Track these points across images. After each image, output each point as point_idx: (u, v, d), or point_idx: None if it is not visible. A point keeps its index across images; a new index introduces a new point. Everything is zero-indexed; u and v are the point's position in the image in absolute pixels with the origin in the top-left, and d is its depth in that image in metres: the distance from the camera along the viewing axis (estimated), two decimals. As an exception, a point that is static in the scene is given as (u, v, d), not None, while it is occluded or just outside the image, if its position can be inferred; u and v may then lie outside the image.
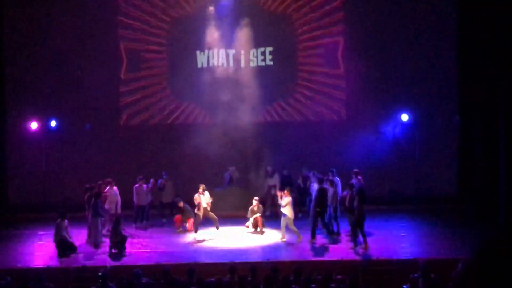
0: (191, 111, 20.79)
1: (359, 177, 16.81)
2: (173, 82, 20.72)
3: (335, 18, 20.64)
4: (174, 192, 18.55)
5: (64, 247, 14.66)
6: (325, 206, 15.80)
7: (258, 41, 20.47)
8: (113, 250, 14.77)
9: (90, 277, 12.29)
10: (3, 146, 20.18)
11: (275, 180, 19.07)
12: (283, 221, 15.77)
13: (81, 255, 14.68)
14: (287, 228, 15.78)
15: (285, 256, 14.61)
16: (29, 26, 20.13)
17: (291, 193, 16.14)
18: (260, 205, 17.09)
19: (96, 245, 15.36)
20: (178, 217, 17.34)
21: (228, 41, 20.45)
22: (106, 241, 15.41)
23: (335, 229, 16.35)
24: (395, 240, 15.82)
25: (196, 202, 16.45)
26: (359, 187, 15.83)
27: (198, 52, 20.56)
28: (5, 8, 20.29)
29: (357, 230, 14.97)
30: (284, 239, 15.74)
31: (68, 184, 19.87)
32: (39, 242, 16.11)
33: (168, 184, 18.68)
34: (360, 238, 14.92)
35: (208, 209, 16.53)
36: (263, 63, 20.62)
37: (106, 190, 16.92)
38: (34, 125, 19.54)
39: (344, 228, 16.17)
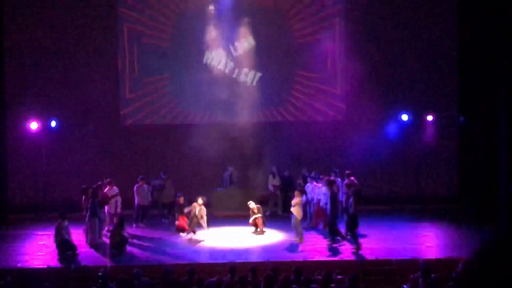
0: (191, 111, 20.78)
1: (352, 178, 16.78)
2: (173, 82, 20.72)
3: (334, 18, 20.65)
4: (173, 192, 18.54)
5: (65, 247, 14.65)
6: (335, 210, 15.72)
7: (257, 41, 20.46)
8: (113, 250, 14.76)
9: (90, 277, 12.28)
10: (3, 146, 20.15)
11: (277, 180, 19.11)
12: (292, 222, 15.76)
13: (81, 255, 14.66)
14: (292, 227, 15.78)
15: (286, 256, 14.59)
16: (29, 26, 20.12)
17: (302, 193, 16.06)
18: (257, 206, 16.98)
19: (92, 245, 15.32)
20: (181, 223, 17.28)
21: (227, 41, 20.45)
22: (105, 242, 15.41)
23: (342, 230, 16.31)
24: (395, 240, 15.80)
25: (190, 210, 16.19)
26: (355, 188, 15.80)
27: (199, 53, 20.55)
28: (5, 8, 20.27)
29: (355, 230, 14.99)
30: (297, 239, 15.66)
31: (68, 184, 19.87)
32: (40, 242, 16.10)
33: (167, 184, 18.67)
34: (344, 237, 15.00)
35: (197, 219, 16.28)
36: (263, 65, 20.63)
37: (105, 190, 16.92)
38: (34, 125, 19.53)
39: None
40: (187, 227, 16.84)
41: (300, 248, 15.14)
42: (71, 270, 13.45)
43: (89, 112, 20.42)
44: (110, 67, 20.56)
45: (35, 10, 20.20)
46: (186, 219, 17.03)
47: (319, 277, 10.67)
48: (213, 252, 14.99)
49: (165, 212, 18.71)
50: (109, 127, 20.67)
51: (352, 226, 14.90)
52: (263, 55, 20.61)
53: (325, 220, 16.36)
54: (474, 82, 18.89)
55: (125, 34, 20.68)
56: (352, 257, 14.13)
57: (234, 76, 20.56)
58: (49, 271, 13.20)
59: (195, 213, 16.08)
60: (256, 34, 20.47)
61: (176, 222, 17.09)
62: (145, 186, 17.90)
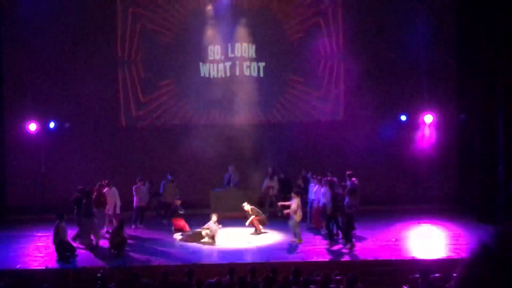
0: (190, 112, 20.77)
1: (353, 179, 16.79)
2: (173, 83, 20.71)
3: (333, 17, 20.65)
4: (176, 193, 18.48)
5: (64, 249, 14.63)
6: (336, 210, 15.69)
7: (255, 40, 20.45)
8: (112, 251, 14.75)
9: (89, 278, 12.27)
10: (1, 148, 20.15)
11: (274, 181, 19.09)
12: (290, 224, 15.73)
13: (80, 257, 14.65)
14: (290, 228, 15.77)
15: (285, 257, 14.58)
16: (27, 27, 20.09)
17: (299, 194, 16.03)
18: (252, 207, 16.93)
19: (87, 245, 15.30)
20: (177, 220, 17.27)
21: (226, 40, 20.45)
22: (104, 242, 15.43)
23: (334, 230, 16.29)
24: (394, 241, 15.80)
25: (210, 231, 15.87)
26: (351, 187, 15.84)
27: (198, 53, 20.54)
28: (3, 8, 20.26)
29: (350, 229, 15.00)
30: (296, 240, 15.63)
31: (66, 186, 19.82)
32: (38, 244, 16.08)
33: (171, 185, 18.60)
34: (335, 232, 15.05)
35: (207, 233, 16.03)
36: (261, 64, 20.61)
37: (104, 191, 16.92)
38: (32, 127, 19.51)
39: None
40: (185, 228, 16.85)
41: (299, 249, 15.14)
42: (70, 271, 13.44)
43: (87, 113, 20.40)
44: (108, 68, 20.54)
45: (34, 11, 20.16)
46: (182, 220, 17.05)
47: (318, 277, 10.67)
48: (212, 253, 14.98)
49: (162, 213, 18.68)
50: (108, 128, 20.65)
51: (348, 227, 14.89)
52: (262, 55, 20.58)
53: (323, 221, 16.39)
54: (473, 82, 18.89)
55: (125, 34, 20.66)
56: (351, 258, 14.13)
57: (236, 74, 20.52)
58: (48, 272, 13.19)
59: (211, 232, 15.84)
60: (254, 34, 20.45)
61: (173, 224, 17.14)
62: (144, 187, 17.87)
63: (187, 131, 20.22)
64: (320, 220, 16.78)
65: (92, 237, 15.59)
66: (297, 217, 15.55)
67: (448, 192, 20.21)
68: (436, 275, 10.27)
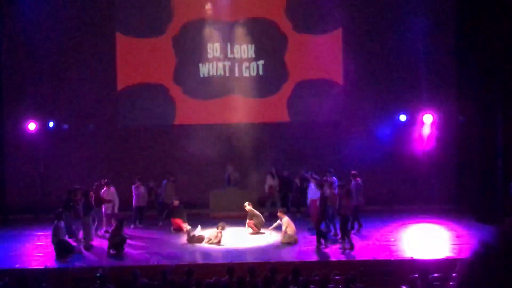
0: (190, 111, 20.75)
1: (358, 179, 16.80)
2: (171, 83, 20.71)
3: (333, 17, 20.64)
4: (174, 194, 18.49)
5: (62, 248, 14.63)
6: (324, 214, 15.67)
7: (254, 40, 20.45)
8: (111, 251, 14.75)
9: (88, 278, 12.27)
10: (1, 147, 20.14)
11: (277, 181, 19.10)
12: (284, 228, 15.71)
13: (79, 256, 14.65)
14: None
15: (284, 256, 14.59)
16: (27, 26, 20.08)
17: (285, 212, 16.01)
18: (249, 209, 16.91)
19: (86, 245, 15.30)
20: (176, 220, 17.25)
21: (225, 39, 20.45)
22: (100, 242, 15.46)
23: (332, 230, 16.31)
24: (393, 241, 15.80)
25: (216, 238, 15.72)
26: (346, 189, 15.88)
27: (196, 53, 20.53)
28: (2, 8, 20.26)
29: (348, 229, 15.01)
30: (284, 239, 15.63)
31: (66, 185, 19.80)
32: (38, 243, 16.08)
33: (172, 186, 18.58)
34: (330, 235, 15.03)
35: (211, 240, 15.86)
36: (260, 63, 20.60)
37: (103, 191, 16.93)
38: (32, 126, 19.51)
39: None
40: (183, 228, 16.85)
41: (298, 249, 15.14)
42: (70, 270, 13.44)
43: (87, 113, 20.40)
44: (107, 67, 20.54)
45: (33, 11, 20.15)
46: (180, 220, 17.05)
47: (317, 277, 10.68)
48: (211, 252, 14.98)
49: (161, 214, 18.67)
50: (107, 127, 20.65)
51: (343, 227, 14.88)
52: (261, 55, 20.58)
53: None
54: (472, 82, 18.90)
55: (122, 33, 20.67)
56: (350, 258, 14.14)
57: (235, 74, 20.52)
58: (47, 271, 13.19)
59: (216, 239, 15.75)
60: (253, 33, 20.43)
61: (172, 224, 17.14)
62: (143, 186, 17.87)
63: (187, 130, 20.21)
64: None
65: (81, 236, 15.54)
66: (284, 239, 15.49)
67: (447, 192, 20.20)
68: (435, 275, 10.28)
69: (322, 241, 15.08)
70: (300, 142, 20.39)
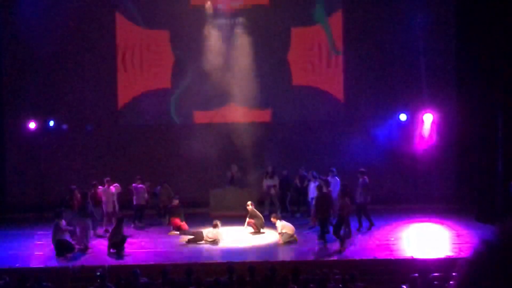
0: (190, 111, 20.74)
1: (365, 177, 16.85)
2: (171, 83, 20.70)
3: (333, 17, 20.64)
4: (170, 195, 18.46)
5: (62, 247, 14.63)
6: (326, 212, 15.65)
7: (255, 39, 20.44)
8: (111, 250, 14.75)
9: (88, 277, 12.27)
10: (1, 146, 20.16)
11: (275, 180, 19.07)
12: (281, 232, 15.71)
13: (79, 255, 14.65)
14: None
15: (283, 256, 14.61)
16: (26, 25, 20.07)
17: (277, 217, 15.97)
18: (251, 209, 16.91)
19: (85, 245, 15.28)
20: (175, 220, 17.25)
21: (225, 39, 20.44)
22: (100, 241, 15.48)
23: (331, 230, 16.27)
24: (393, 240, 15.81)
25: (210, 236, 15.69)
26: (359, 185, 15.95)
27: (195, 52, 20.52)
28: (1, 7, 20.25)
29: (344, 229, 15.01)
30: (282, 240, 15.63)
31: (66, 184, 19.81)
32: (38, 242, 16.08)
33: (166, 192, 18.55)
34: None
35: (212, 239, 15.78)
36: (261, 63, 20.59)
37: (103, 189, 16.94)
38: (32, 125, 19.50)
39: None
40: (183, 227, 16.87)
41: (298, 248, 15.14)
42: (70, 270, 13.45)
43: (87, 112, 20.40)
44: (108, 66, 20.54)
45: (32, 10, 20.13)
46: (178, 219, 17.07)
47: (317, 276, 10.68)
48: (211, 251, 14.98)
49: (162, 212, 18.67)
50: (107, 127, 20.65)
51: (337, 228, 14.87)
52: (260, 54, 20.55)
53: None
54: (472, 82, 18.89)
55: (122, 32, 20.66)
56: (351, 257, 14.13)
57: (234, 74, 20.52)
58: (47, 271, 13.19)
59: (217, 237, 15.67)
60: (252, 34, 20.41)
61: (171, 223, 17.15)
62: (142, 186, 17.87)
63: (186, 130, 20.21)
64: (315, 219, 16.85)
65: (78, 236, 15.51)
66: (284, 239, 15.47)
67: (447, 191, 20.20)
68: (435, 274, 10.28)
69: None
70: (300, 142, 20.39)
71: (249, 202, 16.94)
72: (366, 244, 15.33)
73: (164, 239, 16.37)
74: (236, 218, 17.44)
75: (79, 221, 15.46)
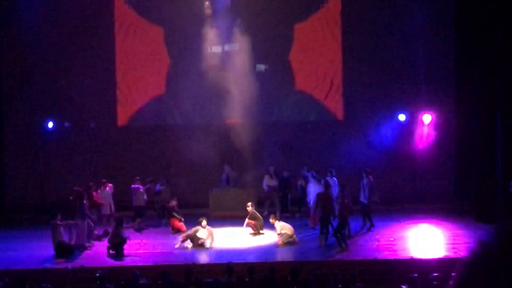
0: (188, 112, 20.74)
1: (370, 177, 16.87)
2: (170, 83, 20.71)
3: (332, 18, 20.66)
4: (170, 197, 18.52)
5: (62, 250, 14.62)
6: (326, 210, 15.67)
7: (254, 40, 20.45)
8: (111, 251, 14.75)
9: (87, 278, 12.27)
10: (1, 147, 20.16)
11: (276, 181, 19.07)
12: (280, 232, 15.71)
13: (78, 256, 14.65)
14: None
15: (283, 256, 14.61)
16: (25, 25, 20.09)
17: (275, 218, 15.95)
18: (251, 210, 16.90)
19: (80, 247, 15.26)
20: (175, 221, 17.25)
21: (224, 40, 20.45)
22: (101, 242, 15.48)
23: (330, 230, 16.27)
24: (392, 240, 15.81)
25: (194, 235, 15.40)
26: (364, 185, 15.98)
27: (194, 52, 20.53)
28: (1, 7, 20.26)
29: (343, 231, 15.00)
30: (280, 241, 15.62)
31: (65, 185, 19.83)
32: (37, 243, 16.06)
33: (166, 190, 18.59)
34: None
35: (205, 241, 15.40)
36: (259, 63, 20.60)
37: (100, 190, 16.93)
38: (32, 126, 19.48)
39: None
40: (182, 228, 16.87)
41: (297, 248, 15.15)
42: (69, 271, 13.44)
43: (86, 113, 20.41)
44: (107, 67, 20.54)
45: (32, 10, 20.15)
46: (177, 221, 17.08)
47: (316, 277, 10.69)
48: (210, 252, 14.98)
49: (161, 213, 18.67)
50: (106, 128, 20.65)
51: (340, 228, 14.87)
52: (260, 54, 20.56)
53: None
54: (471, 82, 18.91)
55: (121, 33, 20.67)
56: (350, 258, 14.13)
57: (233, 74, 20.53)
58: (46, 272, 13.19)
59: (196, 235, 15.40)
60: (252, 33, 20.42)
61: (171, 224, 17.15)
62: (141, 187, 17.87)
63: (185, 130, 20.22)
64: (316, 219, 16.83)
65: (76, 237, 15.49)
66: (283, 239, 15.47)
67: (447, 191, 20.22)
68: (435, 274, 10.28)
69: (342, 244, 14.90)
70: (299, 142, 20.41)
71: (249, 203, 16.92)
72: (366, 244, 15.33)
73: (164, 240, 16.35)
74: (235, 218, 17.45)
75: (75, 222, 15.47)
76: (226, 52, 20.57)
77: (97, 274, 11.10)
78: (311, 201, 16.96)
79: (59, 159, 20.20)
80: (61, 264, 14.00)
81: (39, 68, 20.28)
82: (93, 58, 20.35)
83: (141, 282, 10.96)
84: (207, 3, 20.26)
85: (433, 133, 20.17)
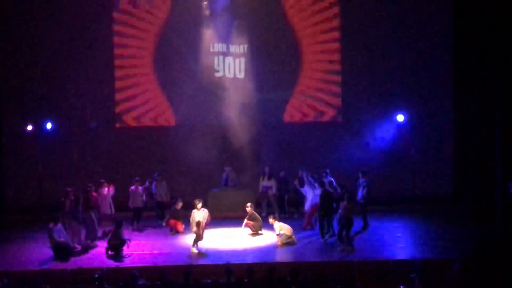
0: (187, 112, 20.73)
1: (366, 177, 16.90)
2: (169, 83, 20.69)
3: (332, 19, 20.67)
4: (168, 192, 18.53)
5: (61, 250, 14.62)
6: (328, 209, 15.67)
7: (253, 41, 20.45)
8: (109, 252, 14.75)
9: (86, 279, 12.28)
10: (-1, 148, 20.18)
11: (272, 181, 19.04)
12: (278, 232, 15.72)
13: (77, 257, 14.65)
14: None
15: (282, 257, 14.62)
16: (23, 26, 20.08)
17: (275, 218, 16.01)
18: (250, 211, 16.89)
19: (78, 248, 15.28)
20: (173, 222, 17.25)
21: (223, 40, 20.44)
22: (99, 243, 15.50)
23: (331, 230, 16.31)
24: (391, 241, 15.83)
25: (192, 220, 15.32)
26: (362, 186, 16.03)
27: (193, 52, 20.52)
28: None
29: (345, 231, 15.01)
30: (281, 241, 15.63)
31: (64, 186, 19.78)
32: (36, 244, 16.06)
33: (162, 184, 18.61)
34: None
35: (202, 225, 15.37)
36: (258, 65, 20.60)
37: (99, 191, 16.94)
38: (29, 127, 19.47)
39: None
40: (177, 227, 16.90)
41: (296, 249, 15.15)
42: (67, 272, 13.45)
43: (84, 114, 20.39)
44: (105, 68, 20.52)
45: (29, 11, 20.15)
46: (179, 223, 17.08)
47: (315, 277, 10.70)
48: (209, 253, 14.98)
49: (160, 213, 18.67)
50: (104, 128, 20.64)
51: (342, 230, 14.88)
52: (259, 54, 20.56)
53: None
54: (470, 82, 18.92)
55: (120, 33, 20.68)
56: (349, 258, 14.14)
57: (233, 73, 20.53)
58: (45, 273, 13.19)
59: (200, 221, 15.24)
60: (251, 33, 20.42)
61: (169, 224, 17.15)
62: (140, 188, 17.87)
63: (184, 131, 20.20)
64: (309, 220, 16.90)
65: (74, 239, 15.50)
66: (282, 240, 15.49)
67: (445, 192, 20.23)
68: (433, 274, 10.30)
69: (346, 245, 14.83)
70: (298, 143, 20.40)
71: (248, 204, 16.91)
72: (365, 245, 15.34)
73: (163, 241, 16.35)
74: (234, 219, 17.45)
75: (70, 224, 15.49)
76: (225, 52, 20.56)
77: (96, 275, 11.11)
78: (307, 204, 16.95)
79: (58, 160, 20.17)
80: (60, 265, 14.00)
81: (37, 69, 20.24)
82: (91, 59, 20.29)
83: (139, 283, 10.97)
84: (205, 3, 20.24)
85: (431, 134, 20.18)
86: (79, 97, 20.29)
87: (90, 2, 20.33)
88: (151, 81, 20.78)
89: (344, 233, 14.81)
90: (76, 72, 20.27)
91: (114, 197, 17.48)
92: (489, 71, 17.71)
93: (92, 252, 15.25)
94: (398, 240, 15.88)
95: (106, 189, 17.17)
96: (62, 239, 14.83)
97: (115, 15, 20.57)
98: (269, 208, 18.83)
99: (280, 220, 16.20)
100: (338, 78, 20.77)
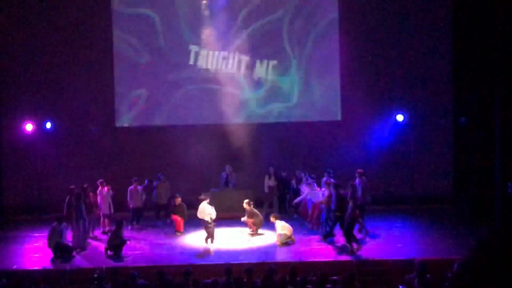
0: (186, 112, 20.74)
1: (363, 177, 16.86)
2: (168, 84, 20.69)
3: (332, 19, 20.67)
4: (169, 194, 18.56)
5: (60, 250, 14.63)
6: (343, 211, 15.45)
7: (252, 40, 20.44)
8: (109, 252, 14.75)
9: (86, 279, 12.27)
10: (-2, 148, 20.17)
11: (274, 181, 19.06)
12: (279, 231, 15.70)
13: (76, 257, 14.65)
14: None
15: (281, 257, 14.61)
16: (22, 27, 20.09)
17: (277, 217, 15.99)
18: (249, 209, 16.87)
19: (81, 247, 15.25)
20: (176, 217, 17.21)
21: (223, 40, 20.44)
22: (99, 243, 15.49)
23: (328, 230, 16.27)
24: (390, 241, 15.83)
25: (201, 215, 15.49)
26: (357, 186, 15.95)
27: (193, 53, 20.52)
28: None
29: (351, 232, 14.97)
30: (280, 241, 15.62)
31: (63, 186, 19.80)
32: (35, 244, 16.07)
33: (164, 186, 18.63)
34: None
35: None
36: (260, 67, 20.58)
37: (98, 191, 16.93)
38: (29, 127, 19.47)
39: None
40: (178, 225, 16.90)
41: (295, 249, 15.14)
42: (67, 271, 13.44)
43: (84, 114, 20.40)
44: (104, 68, 20.52)
45: (28, 11, 20.15)
46: (181, 219, 17.06)
47: (315, 278, 10.68)
48: (209, 253, 14.98)
49: (161, 214, 18.66)
50: (104, 128, 20.64)
51: (347, 229, 14.85)
52: (259, 54, 20.56)
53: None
54: (469, 83, 18.93)
55: (118, 33, 20.67)
56: (348, 258, 14.14)
57: (232, 73, 20.51)
58: (44, 272, 13.19)
59: (210, 215, 15.46)
60: (250, 33, 20.42)
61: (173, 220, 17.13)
62: (139, 188, 17.87)
63: (183, 131, 20.20)
64: (316, 220, 16.84)
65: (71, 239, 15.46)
66: (282, 239, 15.47)
67: (445, 192, 20.23)
68: (432, 274, 10.28)
69: (354, 244, 14.73)
70: (298, 143, 20.41)
71: (246, 201, 16.83)
72: (365, 245, 15.33)
73: (162, 241, 16.36)
74: (234, 219, 17.45)
75: (74, 224, 15.47)
76: (225, 52, 20.56)
77: (95, 275, 11.10)
78: (307, 202, 16.94)
79: (57, 160, 20.17)
80: (59, 265, 14.00)
81: (37, 69, 20.25)
82: (90, 59, 20.31)
83: (139, 282, 10.96)
84: (204, 2, 20.23)
85: (431, 134, 20.18)
86: (79, 97, 20.28)
87: (90, 3, 20.35)
88: (151, 81, 20.76)
89: (349, 232, 14.79)
90: (76, 72, 20.27)
91: (113, 197, 17.47)
92: (489, 71, 17.71)
93: (92, 252, 15.23)
94: (397, 240, 15.86)
95: (106, 189, 17.17)
96: (63, 239, 14.83)
97: (115, 15, 20.56)
98: (269, 209, 18.82)
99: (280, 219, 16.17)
100: (338, 78, 20.76)
